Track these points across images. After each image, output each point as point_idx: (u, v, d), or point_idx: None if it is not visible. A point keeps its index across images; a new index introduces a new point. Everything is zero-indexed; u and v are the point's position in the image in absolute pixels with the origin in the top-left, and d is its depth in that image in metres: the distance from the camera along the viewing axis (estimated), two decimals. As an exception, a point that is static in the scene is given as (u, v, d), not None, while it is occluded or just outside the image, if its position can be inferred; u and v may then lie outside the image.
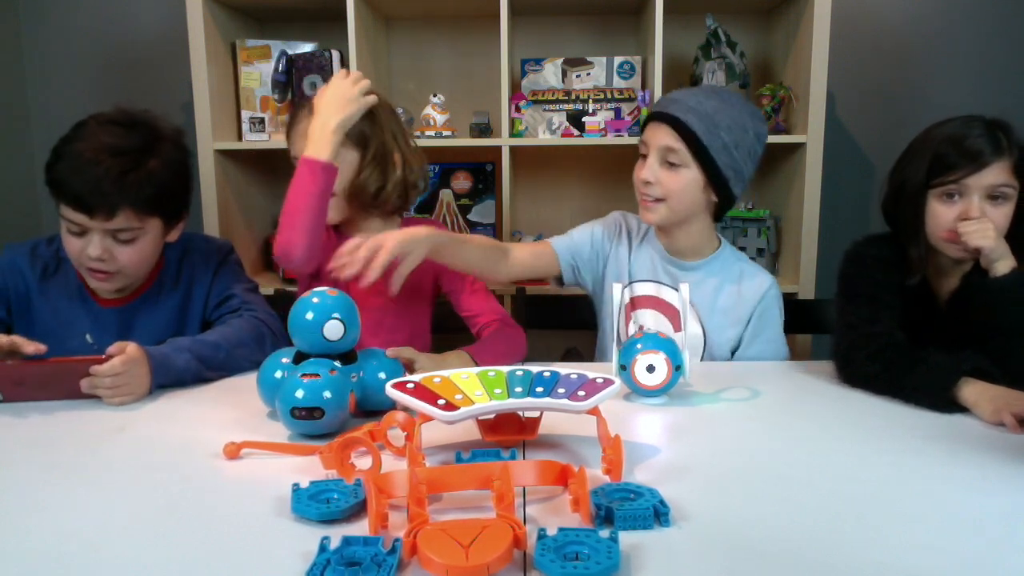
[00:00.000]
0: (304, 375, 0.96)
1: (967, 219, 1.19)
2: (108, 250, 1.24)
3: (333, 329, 1.01)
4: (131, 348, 1.13)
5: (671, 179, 1.31)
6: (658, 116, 1.33)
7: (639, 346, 1.11)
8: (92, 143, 1.22)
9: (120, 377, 1.11)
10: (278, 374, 1.04)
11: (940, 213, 1.23)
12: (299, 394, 0.95)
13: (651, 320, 1.43)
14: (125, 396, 1.12)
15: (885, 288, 1.27)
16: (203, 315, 1.40)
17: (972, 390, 1.07)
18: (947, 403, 1.08)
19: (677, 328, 1.40)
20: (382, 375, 1.05)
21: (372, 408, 1.05)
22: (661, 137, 1.31)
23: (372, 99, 1.36)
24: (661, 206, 1.34)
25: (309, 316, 1.01)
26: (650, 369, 1.10)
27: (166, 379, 1.18)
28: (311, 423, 0.95)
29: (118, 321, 1.35)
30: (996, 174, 1.18)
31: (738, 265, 1.44)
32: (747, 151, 1.31)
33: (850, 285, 1.31)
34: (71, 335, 1.33)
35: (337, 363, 1.01)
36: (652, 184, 1.32)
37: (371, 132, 1.39)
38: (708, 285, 1.41)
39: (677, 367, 1.10)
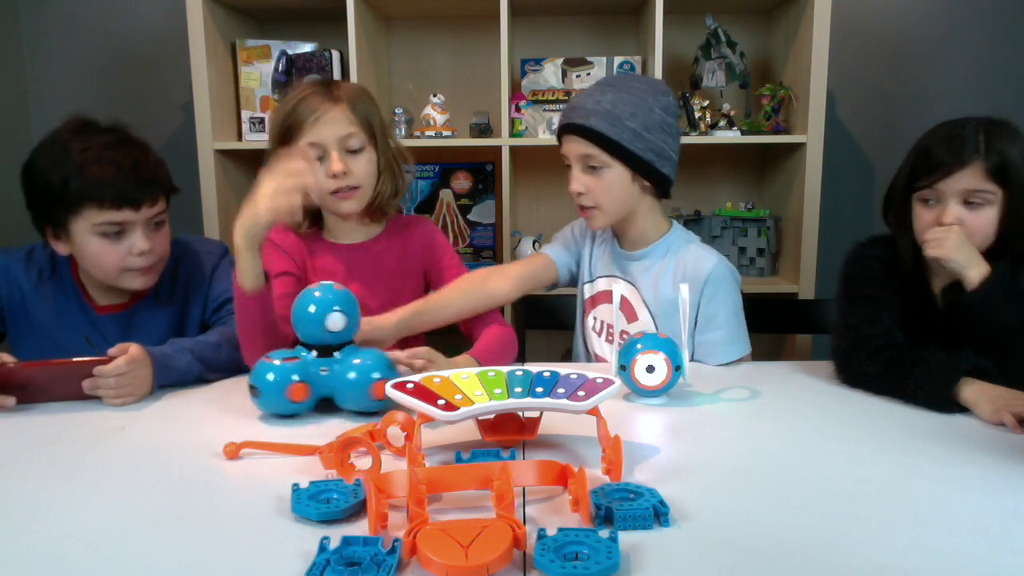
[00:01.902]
0: (275, 358, 1.07)
1: (941, 224, 1.19)
2: (151, 239, 1.27)
3: (335, 320, 1.07)
4: (134, 348, 1.13)
5: (597, 183, 1.33)
6: (564, 129, 1.34)
7: (639, 346, 1.11)
8: (88, 146, 1.22)
9: (124, 378, 1.12)
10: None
11: (920, 217, 1.23)
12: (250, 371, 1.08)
13: (605, 313, 1.45)
14: (128, 397, 1.13)
15: (886, 289, 1.27)
16: (202, 318, 1.40)
17: (972, 390, 1.08)
18: (947, 403, 1.08)
19: (630, 319, 1.42)
20: (352, 375, 1.06)
21: (348, 407, 1.08)
22: (575, 148, 1.33)
23: (288, 206, 1.17)
24: (598, 212, 1.36)
25: (312, 309, 1.07)
26: (650, 369, 1.10)
27: (168, 379, 1.18)
28: (254, 398, 1.07)
29: (116, 327, 1.34)
30: (968, 179, 1.17)
31: (684, 248, 1.41)
32: (659, 128, 1.31)
33: (851, 286, 1.31)
34: (70, 338, 1.32)
35: (311, 353, 1.08)
36: (583, 194, 1.34)
37: (380, 139, 1.38)
38: (653, 273, 1.40)
39: (677, 367, 1.11)
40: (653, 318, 1.39)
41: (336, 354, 1.09)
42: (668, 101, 1.34)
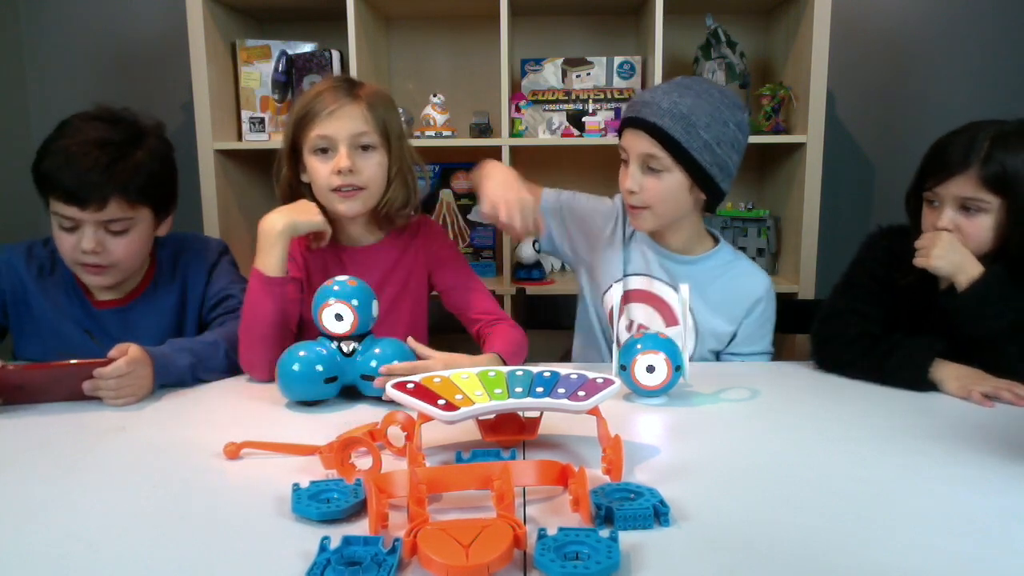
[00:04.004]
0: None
1: (938, 228, 1.21)
2: (101, 242, 1.25)
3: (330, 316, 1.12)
4: (133, 349, 1.13)
5: (655, 185, 1.28)
6: (633, 122, 1.28)
7: (639, 346, 1.11)
8: (78, 138, 1.23)
9: (124, 379, 1.11)
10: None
11: (925, 216, 1.26)
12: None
13: (642, 315, 1.41)
14: (129, 397, 1.12)
15: (883, 283, 1.30)
16: (200, 315, 1.40)
17: (941, 369, 1.17)
18: (921, 382, 1.16)
19: (669, 323, 1.39)
20: (374, 364, 1.12)
21: (370, 394, 1.12)
22: (639, 144, 1.27)
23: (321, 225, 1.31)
24: (647, 213, 1.32)
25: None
26: (650, 369, 1.10)
27: (167, 379, 1.18)
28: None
29: (115, 322, 1.34)
30: (961, 186, 1.18)
31: (736, 262, 1.41)
32: (730, 144, 1.28)
33: (853, 270, 1.36)
34: (70, 332, 1.33)
35: (332, 344, 1.14)
36: (636, 192, 1.30)
37: (395, 145, 1.36)
38: (701, 278, 1.38)
39: (677, 367, 1.11)
40: (695, 319, 1.37)
41: (357, 345, 1.13)
42: (743, 117, 1.30)
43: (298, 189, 1.37)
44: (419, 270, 1.44)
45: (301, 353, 1.11)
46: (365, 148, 1.32)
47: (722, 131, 1.26)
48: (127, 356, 1.12)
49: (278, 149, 1.38)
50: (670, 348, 1.11)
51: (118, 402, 1.12)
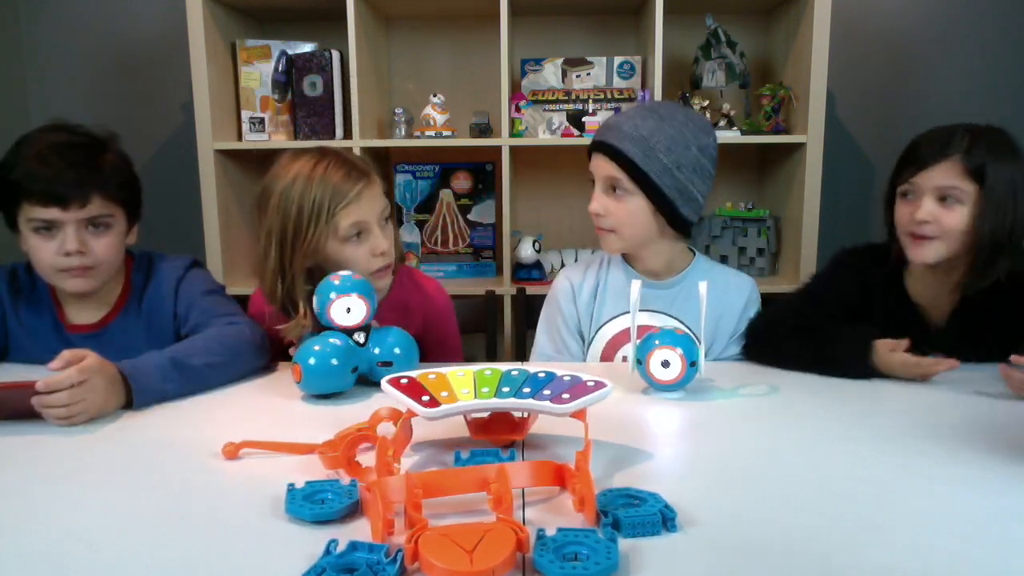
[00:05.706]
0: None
1: (915, 219, 1.23)
2: (84, 242, 1.24)
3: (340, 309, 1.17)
4: (91, 358, 1.04)
5: (619, 208, 1.31)
6: (597, 146, 1.32)
7: (656, 341, 1.13)
8: (44, 143, 1.23)
9: (77, 391, 1.01)
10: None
11: (898, 210, 1.27)
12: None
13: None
14: (80, 414, 1.02)
15: (836, 301, 1.32)
16: (175, 334, 1.35)
17: (883, 357, 1.18)
18: (865, 372, 1.18)
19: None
20: (376, 350, 1.18)
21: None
22: (602, 167, 1.31)
23: None
24: (614, 236, 1.34)
25: (332, 296, 1.16)
26: (665, 364, 1.12)
27: (146, 379, 1.10)
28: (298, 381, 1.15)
29: (88, 346, 1.23)
30: (941, 175, 1.19)
31: (714, 271, 1.41)
32: (691, 168, 1.27)
33: (815, 281, 1.38)
34: (44, 357, 1.25)
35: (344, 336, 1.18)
36: (602, 216, 1.32)
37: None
38: (679, 298, 1.37)
39: (692, 363, 1.12)
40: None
41: (362, 335, 1.18)
42: (708, 141, 1.30)
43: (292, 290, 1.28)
44: (416, 319, 1.42)
45: (316, 348, 1.13)
46: (386, 220, 1.32)
47: (683, 154, 1.27)
48: (82, 363, 1.02)
49: (266, 259, 1.26)
50: (686, 344, 1.12)
51: (68, 420, 1.01)
